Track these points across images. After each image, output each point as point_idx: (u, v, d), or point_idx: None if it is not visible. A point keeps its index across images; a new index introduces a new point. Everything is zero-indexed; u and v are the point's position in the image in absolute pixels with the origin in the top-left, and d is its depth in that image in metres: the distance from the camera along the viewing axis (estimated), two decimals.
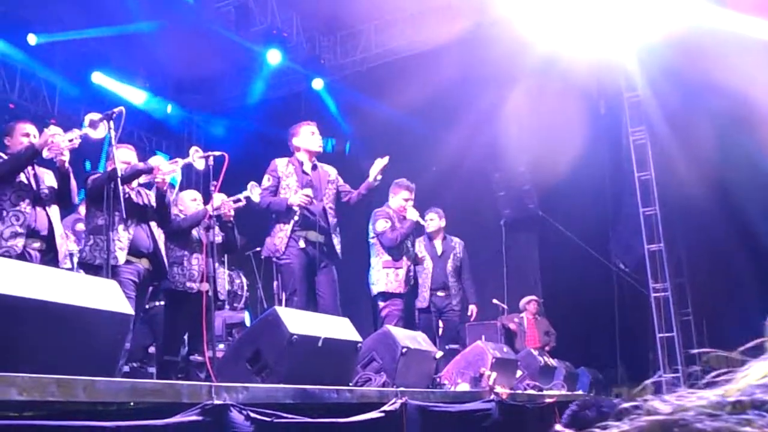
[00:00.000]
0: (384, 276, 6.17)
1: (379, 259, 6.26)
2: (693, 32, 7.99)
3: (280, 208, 5.34)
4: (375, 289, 6.20)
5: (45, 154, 4.38)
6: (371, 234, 6.33)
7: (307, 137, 5.54)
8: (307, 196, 5.25)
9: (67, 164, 4.50)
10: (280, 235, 5.31)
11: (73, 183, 4.67)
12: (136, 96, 10.96)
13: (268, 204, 5.39)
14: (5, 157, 4.44)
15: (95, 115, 4.36)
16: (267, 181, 5.44)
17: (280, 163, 5.50)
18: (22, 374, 2.20)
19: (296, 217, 5.27)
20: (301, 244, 5.26)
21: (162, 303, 6.02)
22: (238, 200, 5.64)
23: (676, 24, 8.14)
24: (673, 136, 9.50)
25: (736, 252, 9.53)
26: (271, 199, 5.39)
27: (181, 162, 5.10)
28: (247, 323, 7.91)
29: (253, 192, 5.50)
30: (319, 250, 5.34)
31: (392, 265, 6.23)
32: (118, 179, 4.33)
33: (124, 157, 4.91)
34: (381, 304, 6.16)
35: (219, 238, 5.63)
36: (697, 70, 8.04)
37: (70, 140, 4.38)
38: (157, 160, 5.01)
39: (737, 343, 0.88)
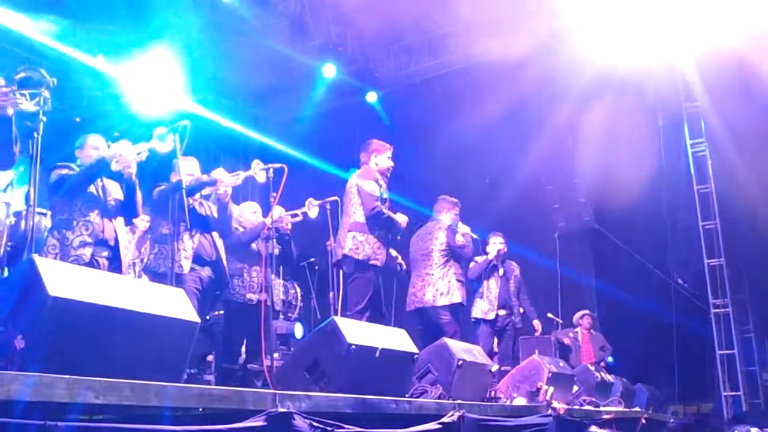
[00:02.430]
0: (457, 288, 6.25)
1: (448, 270, 6.31)
2: (761, 44, 7.74)
3: (396, 226, 5.47)
4: (445, 300, 6.22)
5: (113, 166, 4.53)
6: (441, 246, 6.36)
7: (385, 160, 5.66)
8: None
9: (134, 176, 4.65)
10: (380, 245, 5.40)
11: (139, 195, 4.82)
12: (194, 109, 11.19)
13: (389, 216, 5.43)
14: (77, 169, 4.61)
15: (162, 129, 4.49)
16: (377, 189, 5.45)
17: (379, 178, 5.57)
18: (98, 378, 2.28)
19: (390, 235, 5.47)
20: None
21: (220, 312, 6.14)
22: (296, 215, 5.74)
23: (742, 34, 7.89)
24: (738, 150, 9.24)
25: None
26: (391, 214, 5.46)
27: (243, 174, 5.21)
28: (297, 334, 8.00)
29: (311, 209, 5.60)
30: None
31: (463, 278, 6.42)
32: (183, 191, 4.45)
33: (189, 169, 5.05)
34: (447, 315, 6.19)
35: (276, 250, 5.72)
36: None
37: (138, 153, 4.53)
38: (220, 173, 5.12)
39: None
